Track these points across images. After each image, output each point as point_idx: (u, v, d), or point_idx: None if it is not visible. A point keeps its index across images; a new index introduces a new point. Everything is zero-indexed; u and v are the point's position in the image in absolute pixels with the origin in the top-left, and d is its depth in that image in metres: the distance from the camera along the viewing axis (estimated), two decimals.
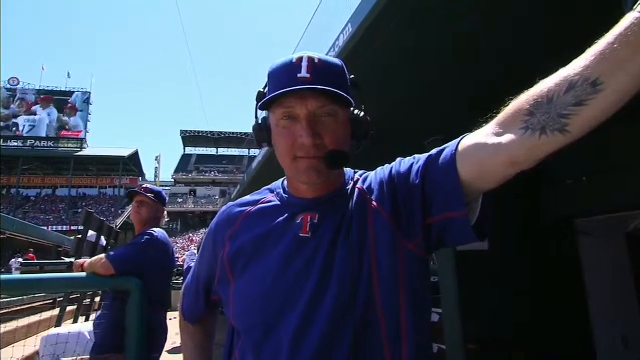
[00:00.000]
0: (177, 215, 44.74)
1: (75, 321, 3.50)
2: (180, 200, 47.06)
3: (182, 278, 8.14)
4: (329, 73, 0.70)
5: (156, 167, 50.67)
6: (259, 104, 0.74)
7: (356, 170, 0.83)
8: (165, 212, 2.29)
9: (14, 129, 38.86)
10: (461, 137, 0.67)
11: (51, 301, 5.21)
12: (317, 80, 0.66)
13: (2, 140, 36.88)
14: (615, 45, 0.48)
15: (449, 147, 0.67)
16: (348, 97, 0.69)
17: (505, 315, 2.26)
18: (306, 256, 0.70)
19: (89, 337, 2.30)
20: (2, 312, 3.61)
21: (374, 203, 0.73)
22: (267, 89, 0.74)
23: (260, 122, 0.78)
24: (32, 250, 10.12)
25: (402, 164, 0.74)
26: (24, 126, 39.23)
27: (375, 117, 0.76)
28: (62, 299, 4.00)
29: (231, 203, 0.86)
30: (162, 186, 43.70)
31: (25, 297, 4.60)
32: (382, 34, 2.40)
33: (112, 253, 1.87)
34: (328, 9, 4.05)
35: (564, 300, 2.50)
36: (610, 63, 0.48)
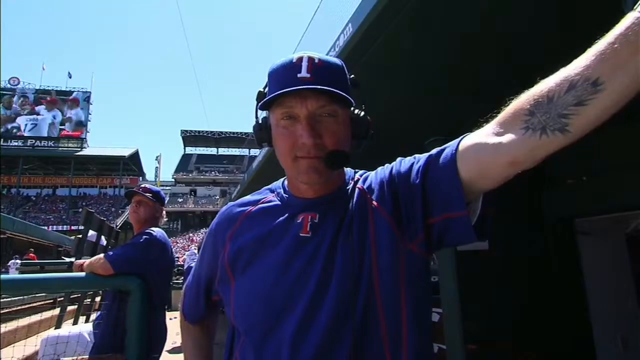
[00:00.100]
0: (177, 215, 44.78)
1: (75, 322, 3.50)
2: (180, 200, 47.10)
3: (182, 278, 8.15)
4: (329, 73, 0.70)
5: (156, 167, 50.84)
6: (259, 104, 0.74)
7: (356, 170, 0.83)
8: (164, 212, 2.28)
9: (15, 130, 38.87)
10: (461, 136, 0.67)
11: (51, 301, 5.20)
12: (317, 80, 0.66)
13: (2, 140, 36.89)
14: (616, 45, 0.48)
15: (449, 147, 0.67)
16: (348, 97, 0.69)
17: (505, 315, 2.26)
18: (307, 256, 0.70)
19: (88, 339, 2.30)
20: (2, 311, 3.61)
21: (375, 203, 0.72)
22: (267, 88, 0.74)
23: (260, 121, 0.78)
24: (32, 250, 10.11)
25: (402, 163, 0.74)
26: (26, 125, 39.27)
27: (375, 117, 0.76)
28: (62, 298, 4.00)
29: (231, 203, 0.86)
30: (163, 186, 43.83)
31: (25, 296, 4.61)
32: (382, 34, 2.40)
33: (110, 253, 1.87)
34: (328, 8, 4.05)
35: (564, 300, 2.50)
36: (611, 63, 0.48)
